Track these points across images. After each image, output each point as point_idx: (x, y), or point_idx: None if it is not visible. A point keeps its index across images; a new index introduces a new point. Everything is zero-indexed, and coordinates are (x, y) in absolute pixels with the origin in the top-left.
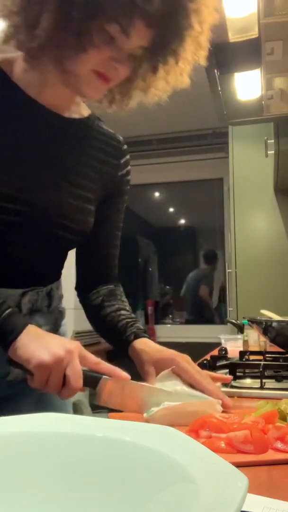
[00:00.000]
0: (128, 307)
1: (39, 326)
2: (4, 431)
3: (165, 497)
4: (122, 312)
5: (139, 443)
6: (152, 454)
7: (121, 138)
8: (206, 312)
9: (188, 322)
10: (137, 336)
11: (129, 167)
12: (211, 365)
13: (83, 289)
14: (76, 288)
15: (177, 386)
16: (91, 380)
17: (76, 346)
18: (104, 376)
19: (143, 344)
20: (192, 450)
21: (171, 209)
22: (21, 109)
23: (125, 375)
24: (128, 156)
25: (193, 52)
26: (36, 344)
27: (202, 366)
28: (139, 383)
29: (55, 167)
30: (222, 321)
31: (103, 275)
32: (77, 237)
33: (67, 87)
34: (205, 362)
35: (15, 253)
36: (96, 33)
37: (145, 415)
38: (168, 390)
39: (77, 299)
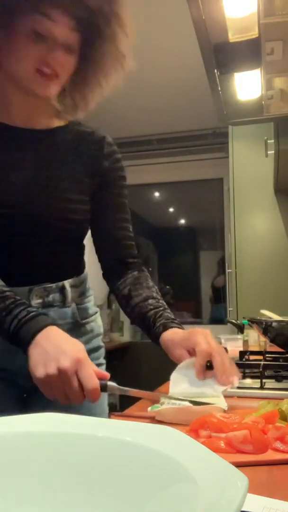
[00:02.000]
0: (155, 293)
1: (53, 320)
2: (4, 431)
3: (165, 497)
4: (150, 301)
5: (139, 443)
6: (152, 454)
7: (104, 133)
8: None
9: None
10: (165, 328)
11: (116, 156)
12: (211, 365)
13: (109, 277)
14: (104, 277)
15: (189, 385)
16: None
17: (83, 354)
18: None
19: (171, 335)
20: (192, 450)
21: (171, 209)
22: None
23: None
24: (114, 147)
25: (121, 30)
26: (43, 353)
27: None
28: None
29: (37, 172)
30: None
31: (121, 259)
32: (74, 225)
33: (27, 94)
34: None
35: (13, 253)
36: (22, 32)
37: (149, 409)
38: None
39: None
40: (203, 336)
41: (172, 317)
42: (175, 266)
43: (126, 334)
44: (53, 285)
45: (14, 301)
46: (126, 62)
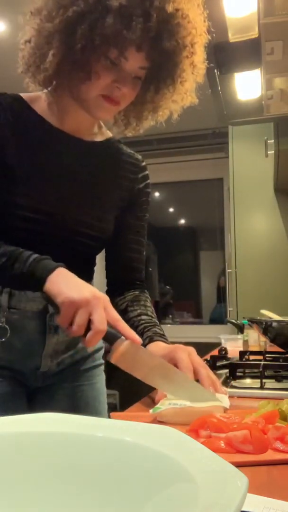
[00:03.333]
0: (150, 312)
1: None
2: (4, 431)
3: (165, 497)
4: (143, 317)
5: (139, 443)
6: (152, 454)
7: (139, 156)
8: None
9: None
10: (151, 340)
11: (148, 181)
12: (211, 365)
13: (112, 293)
14: (107, 293)
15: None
16: (110, 336)
17: (103, 295)
18: (122, 337)
19: (153, 346)
20: (192, 450)
21: (171, 209)
22: (45, 135)
23: (138, 338)
24: (146, 172)
25: (191, 71)
26: (67, 282)
27: None
28: (153, 354)
29: (73, 182)
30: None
31: (128, 279)
32: (96, 243)
33: (84, 111)
34: (205, 362)
35: None
36: (96, 61)
37: (151, 411)
38: (176, 370)
39: None
40: (185, 352)
41: (161, 332)
42: (175, 266)
43: None
44: None
45: (16, 249)
46: (188, 98)
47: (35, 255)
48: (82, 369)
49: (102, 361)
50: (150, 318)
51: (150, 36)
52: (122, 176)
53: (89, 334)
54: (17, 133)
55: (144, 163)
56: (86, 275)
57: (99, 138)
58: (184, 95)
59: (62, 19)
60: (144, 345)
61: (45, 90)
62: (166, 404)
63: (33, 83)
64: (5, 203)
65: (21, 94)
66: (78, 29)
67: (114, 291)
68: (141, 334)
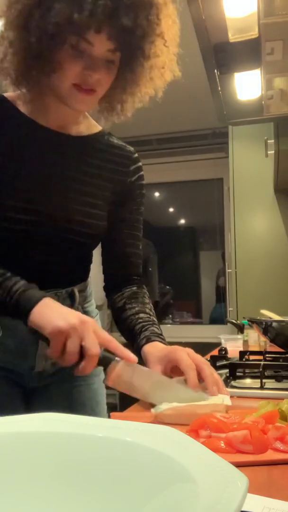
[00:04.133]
0: (149, 309)
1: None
2: (4, 431)
3: (165, 497)
4: (141, 315)
5: (139, 443)
6: (152, 454)
7: (131, 148)
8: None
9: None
10: (148, 340)
11: (140, 173)
12: (211, 365)
13: (109, 290)
14: (104, 289)
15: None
16: (104, 359)
17: (91, 319)
18: (116, 358)
19: (151, 347)
20: (192, 450)
21: (171, 209)
22: (30, 134)
23: (133, 357)
24: (139, 164)
25: (162, 44)
26: (52, 312)
27: None
28: (149, 370)
29: (62, 179)
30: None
31: (125, 275)
32: (88, 240)
33: (64, 105)
34: None
35: (28, 258)
36: (59, 52)
37: (152, 410)
38: (175, 382)
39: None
40: (184, 352)
41: (159, 332)
42: (175, 266)
43: None
44: (63, 290)
45: (3, 274)
46: (167, 72)
47: (20, 284)
48: None
49: None
50: (148, 316)
51: (106, 15)
52: (113, 169)
53: (83, 361)
54: (1, 133)
55: (136, 155)
56: (81, 273)
57: (87, 132)
58: (162, 69)
59: (14, 15)
60: (141, 345)
61: (23, 90)
62: (167, 405)
63: (10, 84)
64: None
65: (4, 94)
66: (31, 22)
67: (111, 287)
68: (138, 333)
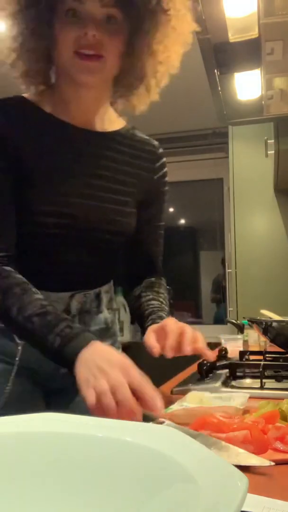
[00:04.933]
0: (162, 298)
1: (88, 326)
2: (4, 431)
3: (165, 497)
4: (153, 302)
5: (139, 443)
6: (152, 454)
7: (156, 143)
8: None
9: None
10: (153, 322)
11: (165, 169)
12: (211, 365)
13: (129, 284)
14: (125, 284)
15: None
16: (144, 419)
17: (128, 365)
18: (158, 419)
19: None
20: (192, 450)
21: (171, 209)
22: (57, 132)
23: (158, 406)
24: (164, 159)
25: (168, 25)
26: (85, 376)
27: (202, 365)
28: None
29: (92, 179)
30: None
31: (147, 270)
32: (118, 238)
33: (75, 86)
34: (205, 361)
35: (61, 261)
36: (57, 23)
37: (163, 411)
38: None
39: None
40: (173, 320)
41: (166, 317)
42: (175, 266)
43: (126, 334)
44: (91, 291)
45: (56, 316)
46: (180, 37)
47: (68, 330)
48: None
49: None
50: (160, 303)
51: None
52: (140, 166)
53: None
54: (30, 135)
55: (161, 150)
56: (109, 274)
57: (111, 128)
58: (168, 53)
59: (12, 7)
60: (146, 327)
61: (41, 87)
62: (178, 405)
63: (33, 83)
64: (25, 211)
65: (24, 95)
66: (25, 3)
67: (133, 283)
68: (147, 317)
